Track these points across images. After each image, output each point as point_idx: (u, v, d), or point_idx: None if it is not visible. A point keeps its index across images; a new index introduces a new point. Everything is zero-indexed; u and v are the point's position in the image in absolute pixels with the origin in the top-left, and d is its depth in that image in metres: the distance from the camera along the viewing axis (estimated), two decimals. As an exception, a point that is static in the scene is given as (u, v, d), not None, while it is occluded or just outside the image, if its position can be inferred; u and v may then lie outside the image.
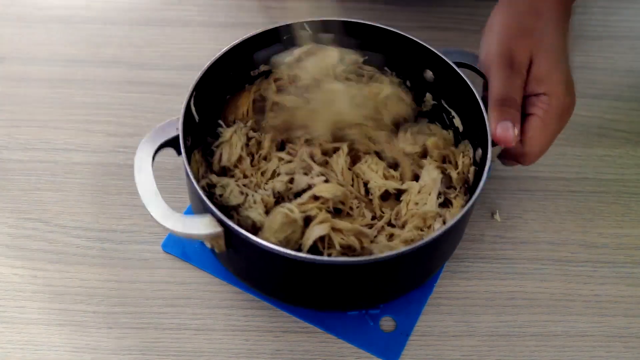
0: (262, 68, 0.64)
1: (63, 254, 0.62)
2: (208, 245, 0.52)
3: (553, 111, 0.56)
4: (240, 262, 0.54)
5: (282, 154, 0.60)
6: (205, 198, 0.50)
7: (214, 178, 0.58)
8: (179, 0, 0.84)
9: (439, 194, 0.58)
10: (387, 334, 0.57)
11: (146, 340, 0.57)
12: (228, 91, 0.63)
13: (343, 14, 0.78)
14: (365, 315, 0.58)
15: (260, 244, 0.48)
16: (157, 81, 0.75)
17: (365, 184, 0.60)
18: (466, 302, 0.60)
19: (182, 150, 0.52)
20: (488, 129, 0.55)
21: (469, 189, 0.59)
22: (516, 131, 0.54)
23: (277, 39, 0.62)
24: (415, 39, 0.61)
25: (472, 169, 0.59)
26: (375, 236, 0.57)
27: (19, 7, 0.83)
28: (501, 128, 0.54)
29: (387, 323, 0.58)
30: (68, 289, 0.60)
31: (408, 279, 0.56)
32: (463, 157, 0.60)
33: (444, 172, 0.59)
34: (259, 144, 0.61)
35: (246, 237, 0.48)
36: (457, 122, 0.62)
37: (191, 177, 0.51)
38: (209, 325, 0.58)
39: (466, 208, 0.51)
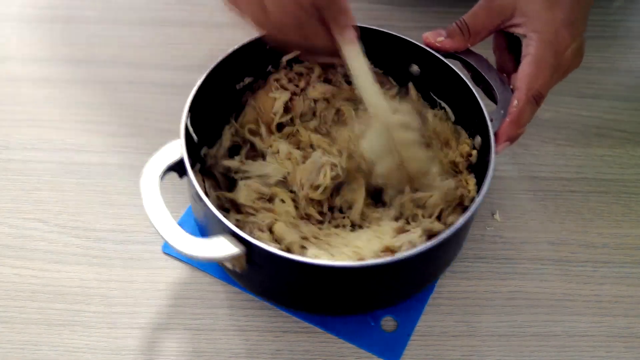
0: (247, 80, 0.63)
1: (63, 254, 0.62)
2: (229, 266, 0.51)
3: (545, 46, 0.56)
4: (263, 277, 0.53)
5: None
6: (223, 219, 0.48)
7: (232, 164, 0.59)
8: (178, 0, 0.84)
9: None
10: (388, 334, 0.57)
11: (146, 340, 0.57)
12: (219, 106, 0.62)
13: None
14: (366, 315, 0.58)
15: (288, 257, 0.47)
16: (157, 81, 0.75)
17: None
18: (466, 302, 0.60)
19: (190, 174, 0.51)
20: (486, 116, 0.55)
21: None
22: (440, 38, 0.59)
23: (262, 49, 0.62)
24: (398, 35, 0.61)
25: (474, 152, 0.59)
26: None
27: (19, 7, 0.83)
28: (431, 32, 0.60)
29: (388, 323, 0.58)
30: (68, 289, 0.60)
31: (423, 278, 0.56)
32: (459, 146, 0.60)
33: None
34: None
35: (271, 252, 0.47)
36: (449, 112, 0.62)
37: (204, 200, 0.49)
38: (209, 325, 0.58)
39: (471, 210, 0.51)
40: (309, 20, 0.53)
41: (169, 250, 0.62)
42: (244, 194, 0.57)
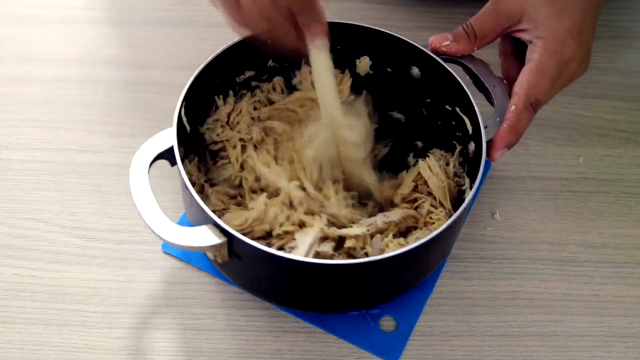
0: (248, 74, 0.63)
1: (63, 254, 0.62)
2: (211, 256, 0.51)
3: (548, 54, 0.56)
4: (245, 270, 0.54)
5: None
6: (205, 208, 0.49)
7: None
8: (179, 0, 0.84)
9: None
10: (387, 334, 0.57)
11: (146, 340, 0.57)
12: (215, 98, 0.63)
13: (341, 15, 0.78)
14: (365, 315, 0.58)
15: (266, 250, 0.48)
16: (157, 81, 0.75)
17: None
18: (466, 302, 0.60)
19: (178, 162, 0.52)
20: (480, 123, 0.55)
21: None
22: (446, 42, 0.59)
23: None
24: (399, 36, 0.61)
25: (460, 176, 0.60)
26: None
27: (19, 7, 0.83)
28: (437, 36, 0.60)
29: (387, 323, 0.58)
30: (68, 289, 0.60)
31: (411, 276, 0.56)
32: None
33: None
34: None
35: (250, 244, 0.48)
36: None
37: (189, 188, 0.50)
38: (209, 325, 0.58)
39: (463, 206, 0.51)
40: (282, 21, 0.52)
41: (169, 250, 0.62)
42: (213, 201, 0.58)
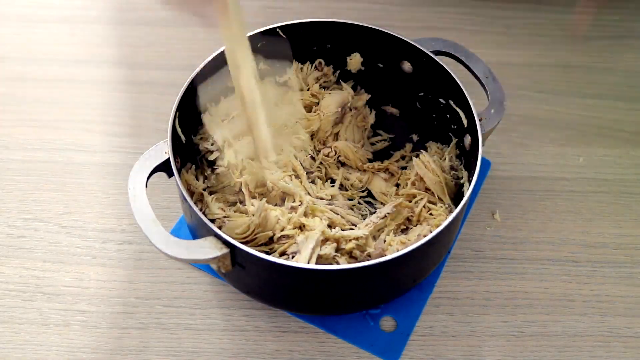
0: None
1: (63, 254, 0.62)
2: (214, 266, 0.51)
3: None
4: (248, 278, 0.54)
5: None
6: (207, 221, 0.49)
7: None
8: (178, 0, 0.84)
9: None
10: (387, 334, 0.57)
11: (146, 340, 0.57)
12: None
13: (342, 15, 0.78)
14: (365, 315, 0.58)
15: (270, 260, 0.48)
16: (157, 81, 0.75)
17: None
18: (466, 302, 0.60)
19: (176, 175, 0.52)
20: (475, 116, 0.55)
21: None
22: None
23: (253, 48, 0.62)
24: (388, 32, 0.61)
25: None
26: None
27: (19, 7, 0.83)
28: None
29: (387, 323, 0.58)
30: (68, 289, 0.60)
31: (412, 275, 0.56)
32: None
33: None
34: None
35: (254, 254, 0.48)
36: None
37: (189, 201, 0.50)
38: (209, 325, 0.58)
39: (464, 200, 0.51)
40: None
41: (169, 250, 0.62)
42: (213, 209, 0.58)
